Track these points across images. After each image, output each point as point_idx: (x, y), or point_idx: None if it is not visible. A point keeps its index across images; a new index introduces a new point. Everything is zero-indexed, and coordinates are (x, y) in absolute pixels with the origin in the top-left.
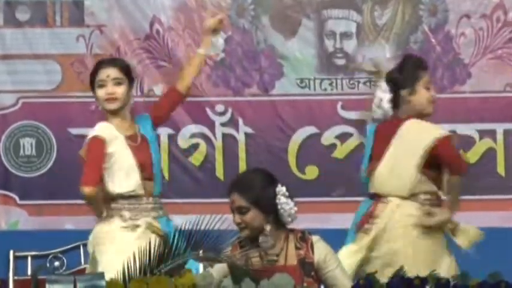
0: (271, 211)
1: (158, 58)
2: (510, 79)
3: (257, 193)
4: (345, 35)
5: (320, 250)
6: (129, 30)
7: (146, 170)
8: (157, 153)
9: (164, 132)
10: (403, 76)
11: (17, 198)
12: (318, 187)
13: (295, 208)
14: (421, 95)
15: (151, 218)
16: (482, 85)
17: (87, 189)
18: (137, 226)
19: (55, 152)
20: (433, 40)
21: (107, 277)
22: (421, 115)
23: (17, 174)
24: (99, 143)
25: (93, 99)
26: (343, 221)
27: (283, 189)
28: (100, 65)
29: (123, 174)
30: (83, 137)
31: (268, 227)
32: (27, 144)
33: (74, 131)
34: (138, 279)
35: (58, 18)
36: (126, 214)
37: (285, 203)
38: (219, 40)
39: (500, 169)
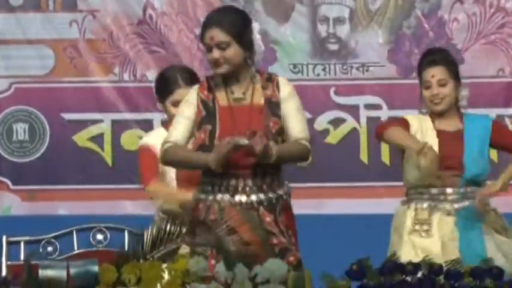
0: (249, 48)
1: (151, 43)
2: (503, 64)
3: (239, 28)
4: (338, 20)
5: (284, 89)
6: (122, 15)
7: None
8: None
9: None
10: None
11: (9, 183)
12: (311, 172)
13: (262, 48)
14: (423, 96)
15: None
16: (475, 70)
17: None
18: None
19: (48, 137)
20: (426, 25)
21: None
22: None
23: (9, 159)
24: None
25: (85, 85)
26: (337, 206)
27: (257, 25)
28: (177, 81)
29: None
30: (75, 122)
31: (249, 62)
32: (20, 130)
33: (67, 116)
34: (131, 265)
35: (51, 3)
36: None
37: (259, 40)
38: None
39: (493, 155)
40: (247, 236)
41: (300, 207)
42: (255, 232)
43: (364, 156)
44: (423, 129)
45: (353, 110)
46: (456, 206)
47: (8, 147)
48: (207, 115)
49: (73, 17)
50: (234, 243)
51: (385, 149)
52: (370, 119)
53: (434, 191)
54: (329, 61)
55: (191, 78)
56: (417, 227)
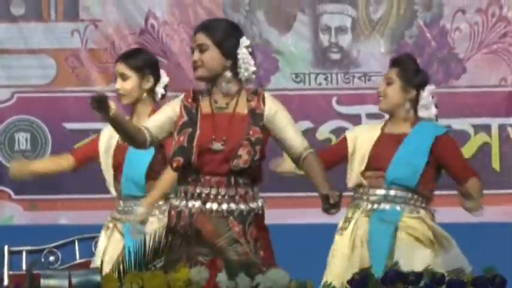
0: (231, 57)
1: (153, 52)
2: (505, 74)
3: (221, 34)
4: (340, 30)
5: (270, 103)
6: (124, 25)
7: (117, 172)
8: (134, 156)
9: None
10: (423, 77)
11: (11, 193)
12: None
13: (254, 68)
14: None
15: (117, 221)
16: (477, 80)
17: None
18: (108, 228)
19: (50, 146)
20: (428, 35)
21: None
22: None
23: None
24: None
25: (87, 94)
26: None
27: (247, 42)
28: (116, 61)
29: (106, 175)
30: (77, 131)
31: (228, 74)
32: (22, 139)
33: (69, 125)
34: (133, 274)
35: (53, 12)
36: (113, 214)
37: (245, 55)
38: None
39: (495, 164)
40: (212, 239)
41: (305, 216)
42: (221, 237)
43: None
44: (369, 132)
45: (355, 119)
46: (375, 206)
47: (10, 157)
48: (188, 120)
49: (75, 27)
50: (236, 253)
51: None
52: None
53: (361, 190)
54: (331, 70)
55: (126, 56)
56: (341, 224)
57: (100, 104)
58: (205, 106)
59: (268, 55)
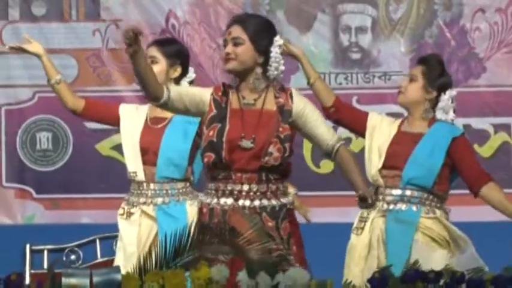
0: (263, 54)
1: None
2: None
3: (257, 29)
4: (360, 30)
5: (298, 100)
6: (145, 25)
7: (150, 154)
8: (174, 139)
9: None
10: (446, 80)
11: (33, 192)
12: (334, 181)
13: (283, 68)
14: None
15: (150, 205)
16: (497, 79)
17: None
18: (131, 214)
19: (71, 146)
20: (448, 34)
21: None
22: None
23: (33, 168)
24: (117, 105)
25: (108, 94)
26: None
27: (281, 41)
28: (149, 44)
29: (129, 155)
30: (98, 131)
31: (259, 70)
32: (44, 138)
33: (90, 125)
34: (154, 273)
35: (74, 12)
36: (131, 199)
37: (277, 53)
38: None
39: None
40: (248, 235)
41: (325, 215)
42: (255, 233)
43: None
44: (387, 127)
45: None
46: (391, 207)
47: (32, 156)
48: (217, 114)
49: (96, 27)
50: (257, 251)
51: None
52: None
53: (380, 190)
54: (351, 70)
55: (158, 41)
56: (357, 223)
57: (134, 36)
58: (234, 101)
59: (288, 55)
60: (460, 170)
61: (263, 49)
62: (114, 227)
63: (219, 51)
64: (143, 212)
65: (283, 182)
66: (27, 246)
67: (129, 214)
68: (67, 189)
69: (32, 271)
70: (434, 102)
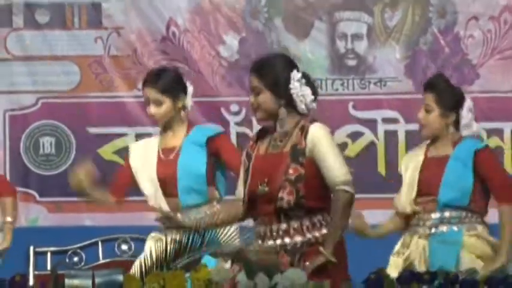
0: (284, 96)
1: (174, 59)
2: None
3: (272, 76)
4: (356, 37)
5: (311, 135)
6: (145, 32)
7: (168, 186)
8: (188, 166)
9: None
10: (459, 96)
11: (36, 195)
12: None
13: (312, 97)
14: None
15: (176, 234)
16: (490, 85)
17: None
18: (161, 239)
19: (74, 150)
20: (442, 41)
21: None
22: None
23: (36, 172)
24: (126, 156)
25: (110, 100)
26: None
27: (298, 75)
28: (144, 81)
29: (148, 188)
30: (101, 135)
31: (283, 111)
32: (47, 143)
33: (92, 130)
34: (155, 274)
35: (76, 20)
36: (161, 231)
37: (297, 88)
38: None
39: (508, 167)
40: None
41: None
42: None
43: (381, 169)
44: (413, 160)
45: (371, 124)
46: (432, 230)
47: (35, 161)
48: (246, 166)
49: (98, 34)
50: (255, 253)
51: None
52: (387, 133)
53: (417, 217)
54: (347, 76)
55: (157, 81)
56: (399, 247)
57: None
58: (263, 146)
59: None
60: (486, 181)
61: (282, 91)
62: (116, 230)
63: (218, 58)
64: (172, 240)
65: (313, 215)
66: (31, 248)
67: (159, 239)
68: (70, 192)
69: (36, 272)
70: (456, 121)
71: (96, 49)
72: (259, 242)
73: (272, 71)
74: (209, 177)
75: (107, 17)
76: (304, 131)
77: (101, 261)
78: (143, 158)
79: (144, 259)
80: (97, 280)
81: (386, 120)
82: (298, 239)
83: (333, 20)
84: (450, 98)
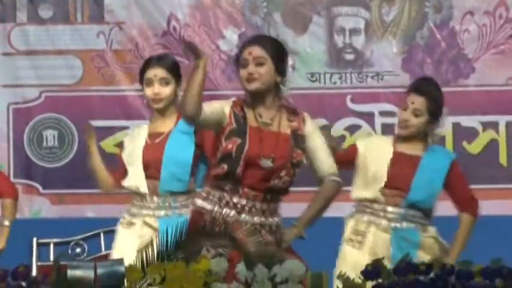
0: (281, 74)
1: (175, 54)
2: None
3: (277, 50)
4: (354, 31)
5: (310, 125)
6: (147, 27)
7: (152, 169)
8: (175, 153)
9: None
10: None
11: (40, 187)
12: None
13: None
14: (398, 116)
15: (151, 216)
16: (486, 79)
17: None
18: (132, 224)
19: (76, 143)
20: (438, 36)
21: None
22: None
23: (40, 164)
24: (120, 145)
25: (112, 93)
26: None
27: (291, 61)
28: (148, 64)
29: (131, 170)
30: (103, 128)
31: (276, 89)
32: (50, 136)
33: (95, 123)
34: (156, 265)
35: (79, 15)
36: (132, 210)
37: (289, 73)
38: None
39: (503, 159)
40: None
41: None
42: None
43: None
44: (380, 148)
45: (368, 117)
46: (393, 224)
47: (38, 153)
48: (236, 128)
49: (100, 29)
50: (254, 244)
51: None
52: (384, 126)
53: (376, 206)
54: (345, 70)
55: (162, 61)
56: (352, 236)
57: (194, 50)
58: (251, 118)
59: None
60: (453, 192)
61: (281, 69)
62: (117, 221)
63: (218, 52)
64: (145, 223)
65: (280, 202)
66: (34, 239)
67: (130, 224)
68: (72, 184)
69: (39, 263)
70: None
71: (98, 43)
72: (234, 212)
73: (277, 46)
74: (193, 168)
75: (109, 12)
76: (301, 118)
77: (103, 252)
78: (132, 144)
79: (146, 250)
80: (99, 271)
81: (383, 114)
82: (271, 220)
83: (331, 15)
84: (439, 107)
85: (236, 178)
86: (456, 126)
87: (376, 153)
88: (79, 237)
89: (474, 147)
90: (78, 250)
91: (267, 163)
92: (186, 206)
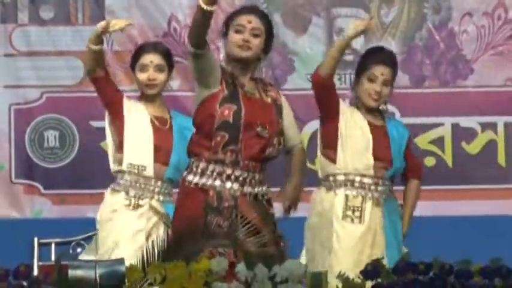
0: (265, 51)
1: (175, 54)
2: (510, 74)
3: (271, 27)
4: None
5: (283, 97)
6: (147, 28)
7: (162, 153)
8: (180, 145)
9: None
10: (359, 63)
11: (41, 187)
12: None
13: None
14: (364, 88)
15: (156, 201)
16: (484, 80)
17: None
18: (140, 206)
19: (77, 143)
20: (437, 37)
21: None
22: (365, 107)
23: (41, 165)
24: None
25: None
26: None
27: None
28: (143, 49)
29: (137, 148)
30: (103, 129)
31: (259, 63)
32: (51, 137)
33: (95, 123)
34: (156, 265)
35: (80, 16)
36: (131, 192)
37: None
38: None
39: (501, 160)
40: (259, 226)
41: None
42: (263, 220)
43: None
44: (354, 118)
45: None
46: (383, 196)
47: (40, 154)
48: (229, 95)
49: None
50: (254, 244)
51: None
52: None
53: (365, 180)
54: (344, 71)
55: (159, 48)
56: (349, 212)
57: None
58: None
59: (284, 56)
60: (407, 160)
61: (268, 48)
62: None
63: (218, 53)
64: (151, 206)
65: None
66: (36, 239)
67: (137, 206)
68: (73, 185)
69: (40, 263)
70: None
71: None
72: (237, 185)
73: (271, 24)
74: None
75: (109, 13)
76: (276, 90)
77: None
78: (135, 117)
79: (146, 250)
80: (100, 271)
81: None
82: (265, 189)
83: (330, 16)
84: (395, 76)
85: (237, 147)
86: (455, 126)
87: (354, 124)
88: (80, 237)
89: (473, 148)
90: (79, 250)
91: (263, 131)
92: (170, 195)
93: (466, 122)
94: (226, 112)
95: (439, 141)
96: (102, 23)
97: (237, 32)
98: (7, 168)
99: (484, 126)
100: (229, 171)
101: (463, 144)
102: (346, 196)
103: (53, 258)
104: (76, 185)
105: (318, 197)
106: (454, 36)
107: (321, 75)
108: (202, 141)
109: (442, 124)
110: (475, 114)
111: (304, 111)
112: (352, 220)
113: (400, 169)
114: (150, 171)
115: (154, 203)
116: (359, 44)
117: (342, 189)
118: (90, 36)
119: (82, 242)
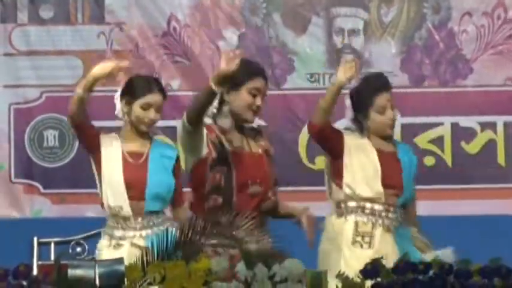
0: None
1: (175, 54)
2: (510, 74)
3: None
4: (353, 32)
5: (270, 145)
6: (147, 28)
7: (135, 189)
8: (159, 174)
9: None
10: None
11: (40, 187)
12: None
13: None
14: (378, 121)
15: (139, 237)
16: (484, 79)
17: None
18: (120, 245)
19: (77, 143)
20: (436, 37)
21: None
22: (379, 136)
23: (40, 164)
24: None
25: (113, 94)
26: None
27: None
28: (149, 87)
29: (111, 189)
30: (103, 129)
31: None
32: (51, 136)
33: (95, 123)
34: (156, 264)
35: (80, 16)
36: (116, 233)
37: None
38: None
39: (501, 159)
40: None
41: (319, 209)
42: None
43: None
44: (362, 147)
45: None
46: (394, 223)
47: (39, 153)
48: (218, 157)
49: (101, 30)
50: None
51: None
52: None
53: (376, 207)
54: None
55: (161, 89)
56: (358, 238)
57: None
58: (236, 142)
59: (284, 56)
60: None
61: None
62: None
63: (218, 53)
64: (133, 244)
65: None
66: (35, 238)
67: (118, 246)
68: (73, 184)
69: (40, 262)
70: None
71: (99, 44)
72: (234, 243)
73: None
74: (176, 189)
75: (109, 12)
76: (265, 137)
77: None
78: (110, 154)
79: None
80: (99, 270)
81: None
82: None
83: (330, 15)
84: None
85: (231, 209)
86: (454, 126)
87: (361, 151)
88: (80, 236)
89: (472, 147)
90: (78, 249)
91: (256, 189)
92: (169, 219)
93: (465, 121)
94: (218, 176)
95: (438, 141)
96: (101, 70)
97: (251, 95)
98: (7, 168)
99: (484, 126)
100: (227, 232)
101: (463, 143)
102: (356, 223)
103: (52, 257)
104: (76, 184)
105: (329, 223)
106: (453, 36)
107: (316, 125)
108: (199, 202)
109: (441, 124)
110: (475, 113)
111: (303, 111)
112: (362, 246)
113: (411, 198)
114: (127, 210)
115: (136, 240)
116: (358, 44)
117: (352, 216)
118: (84, 82)
119: (81, 241)
